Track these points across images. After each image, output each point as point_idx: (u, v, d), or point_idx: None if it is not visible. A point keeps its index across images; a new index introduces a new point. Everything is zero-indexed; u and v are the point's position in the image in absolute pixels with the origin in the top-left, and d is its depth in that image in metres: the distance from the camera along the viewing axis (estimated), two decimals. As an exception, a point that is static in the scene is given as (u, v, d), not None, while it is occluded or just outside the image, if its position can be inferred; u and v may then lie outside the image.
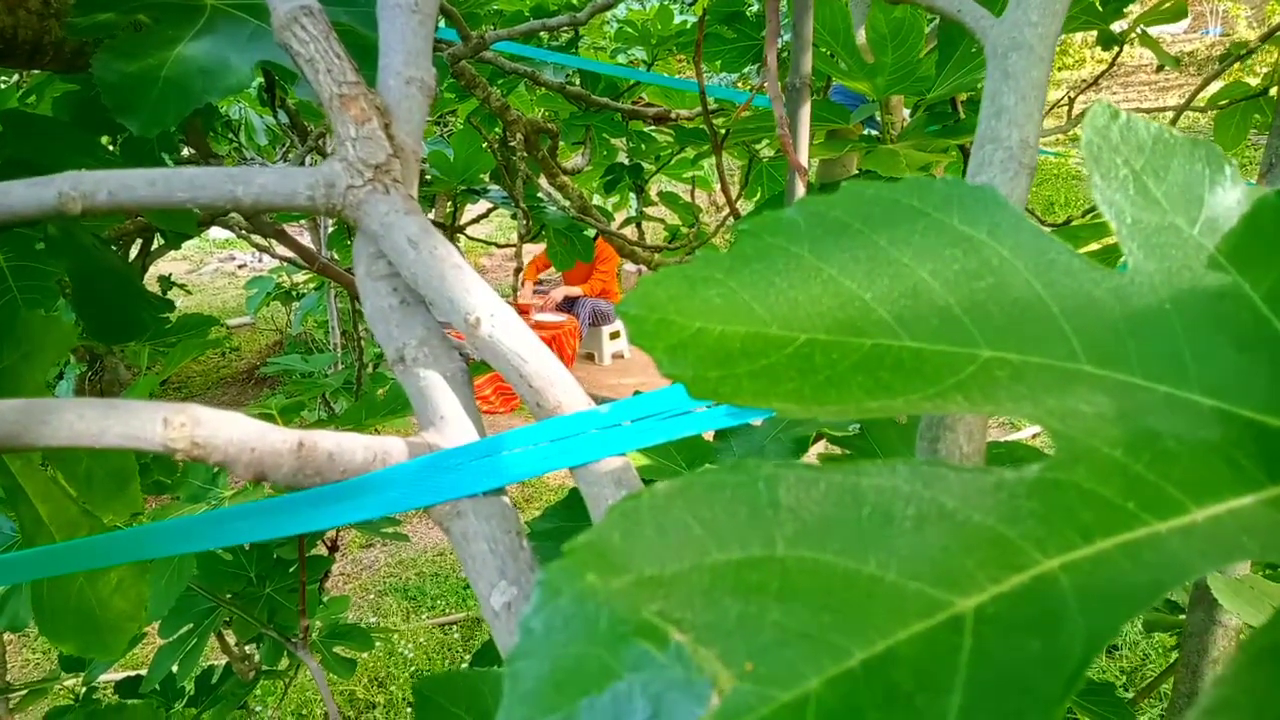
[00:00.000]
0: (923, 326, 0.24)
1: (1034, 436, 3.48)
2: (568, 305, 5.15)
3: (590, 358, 5.47)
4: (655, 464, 0.63)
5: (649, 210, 2.75)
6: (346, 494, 0.34)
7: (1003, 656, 0.17)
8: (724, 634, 0.18)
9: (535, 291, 5.23)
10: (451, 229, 2.15)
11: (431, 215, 2.79)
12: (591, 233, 2.30)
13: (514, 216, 2.29)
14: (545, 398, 0.36)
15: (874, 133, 1.02)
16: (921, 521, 0.19)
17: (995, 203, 0.26)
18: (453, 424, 0.37)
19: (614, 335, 5.40)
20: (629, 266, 6.16)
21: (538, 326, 4.69)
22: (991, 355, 0.23)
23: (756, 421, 0.65)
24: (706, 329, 0.25)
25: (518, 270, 1.70)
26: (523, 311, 4.89)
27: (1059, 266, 0.25)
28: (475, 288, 0.37)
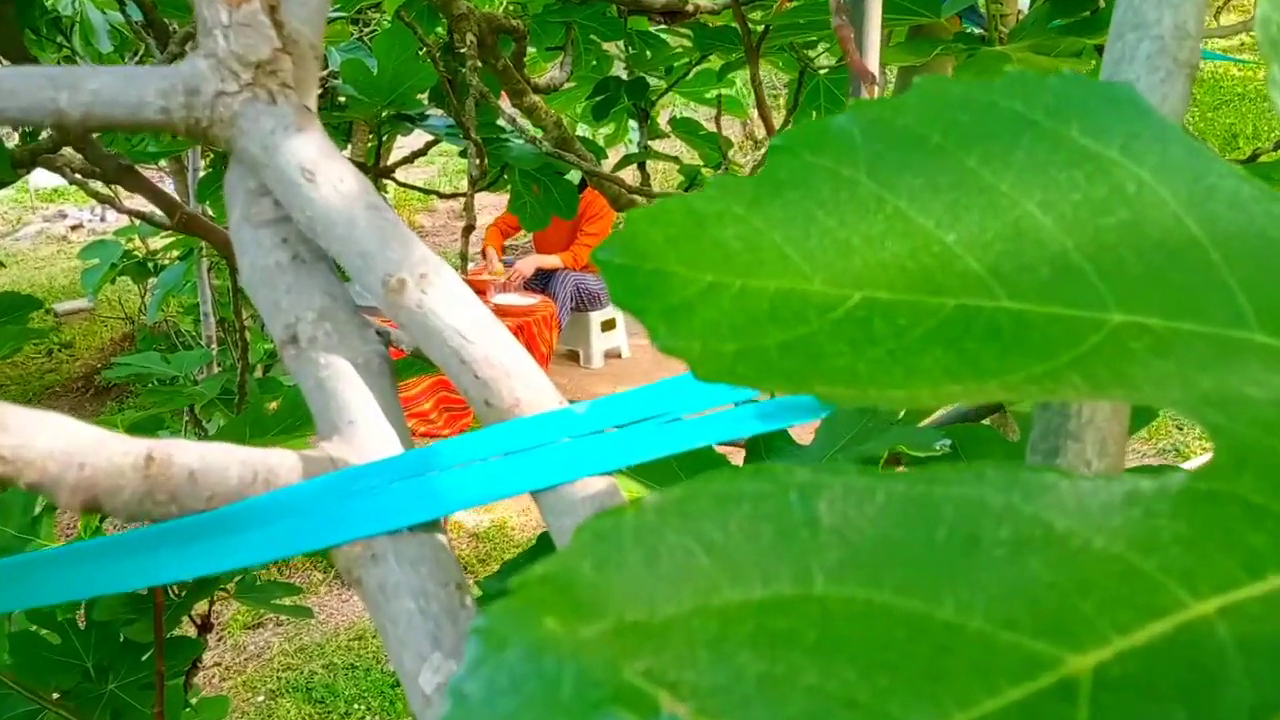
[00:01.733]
0: (1027, 280, 0.25)
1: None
2: (541, 282, 5.17)
3: (574, 357, 5.47)
4: (652, 490, 0.63)
5: (657, 145, 2.75)
6: (214, 529, 0.34)
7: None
8: (738, 703, 0.18)
9: (505, 263, 5.26)
10: (375, 171, 2.17)
11: (347, 153, 2.81)
12: (575, 176, 2.31)
13: (463, 154, 2.31)
14: (497, 392, 0.36)
15: (976, 29, 1.02)
16: (1020, 548, 0.20)
17: (1133, 108, 0.26)
18: (365, 430, 0.37)
19: (607, 325, 5.41)
20: (629, 227, 6.16)
21: (498, 312, 4.72)
22: (1124, 320, 0.24)
23: (802, 434, 0.66)
24: (721, 284, 0.26)
25: (468, 230, 1.71)
26: (477, 291, 4.91)
27: (1222, 196, 0.25)
28: (398, 237, 0.38)
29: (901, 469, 0.22)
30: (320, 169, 0.38)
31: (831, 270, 0.25)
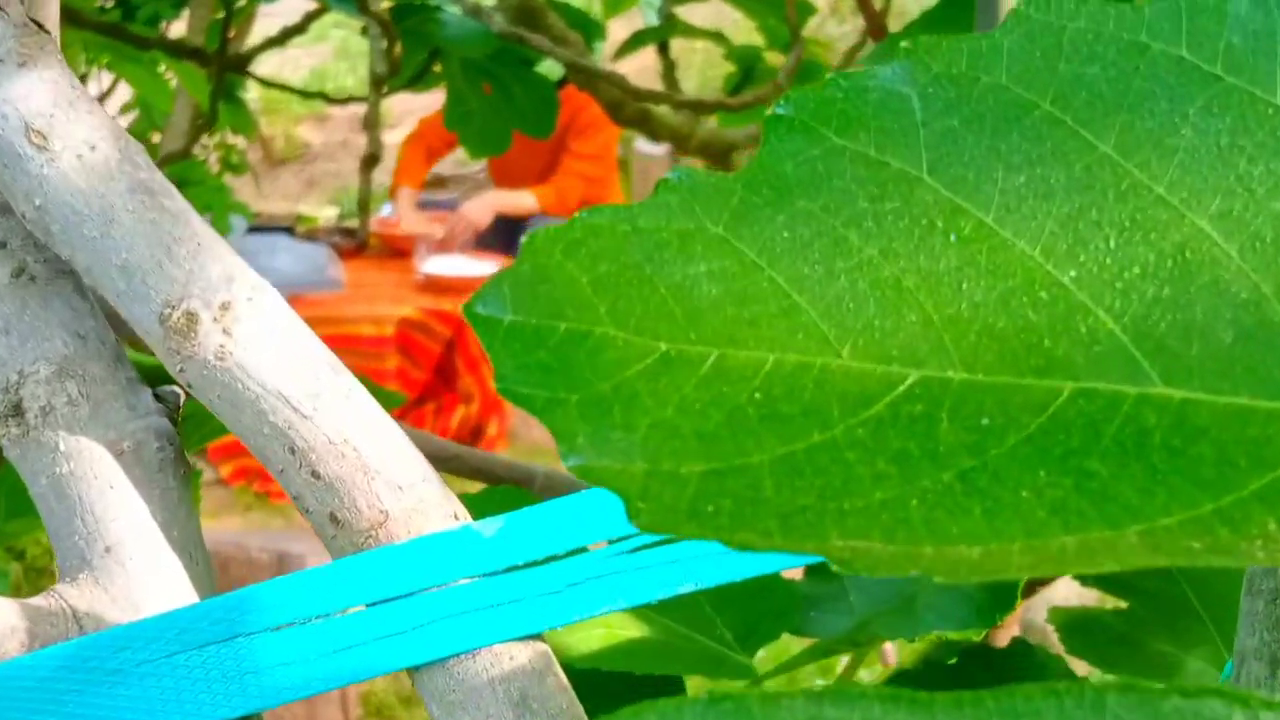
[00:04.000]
0: (1198, 351, 0.24)
1: None
2: (504, 235, 5.16)
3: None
4: (626, 639, 0.63)
5: (688, 12, 2.73)
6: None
7: None
8: None
9: (424, 207, 5.25)
10: (222, 61, 2.18)
11: (181, 28, 2.81)
12: (552, 70, 2.31)
13: (365, 32, 2.31)
14: (350, 500, 0.36)
15: None
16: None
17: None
18: (135, 564, 0.37)
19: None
20: (643, 146, 6.16)
21: (432, 286, 4.72)
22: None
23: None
24: (683, 357, 0.25)
25: (369, 163, 1.71)
26: (396, 246, 4.92)
27: None
28: (187, 240, 0.38)
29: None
30: (58, 129, 0.38)
31: (869, 334, 0.25)
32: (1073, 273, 0.25)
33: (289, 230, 5.05)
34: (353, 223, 5.68)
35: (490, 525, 0.36)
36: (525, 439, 4.87)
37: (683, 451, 0.24)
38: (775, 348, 0.25)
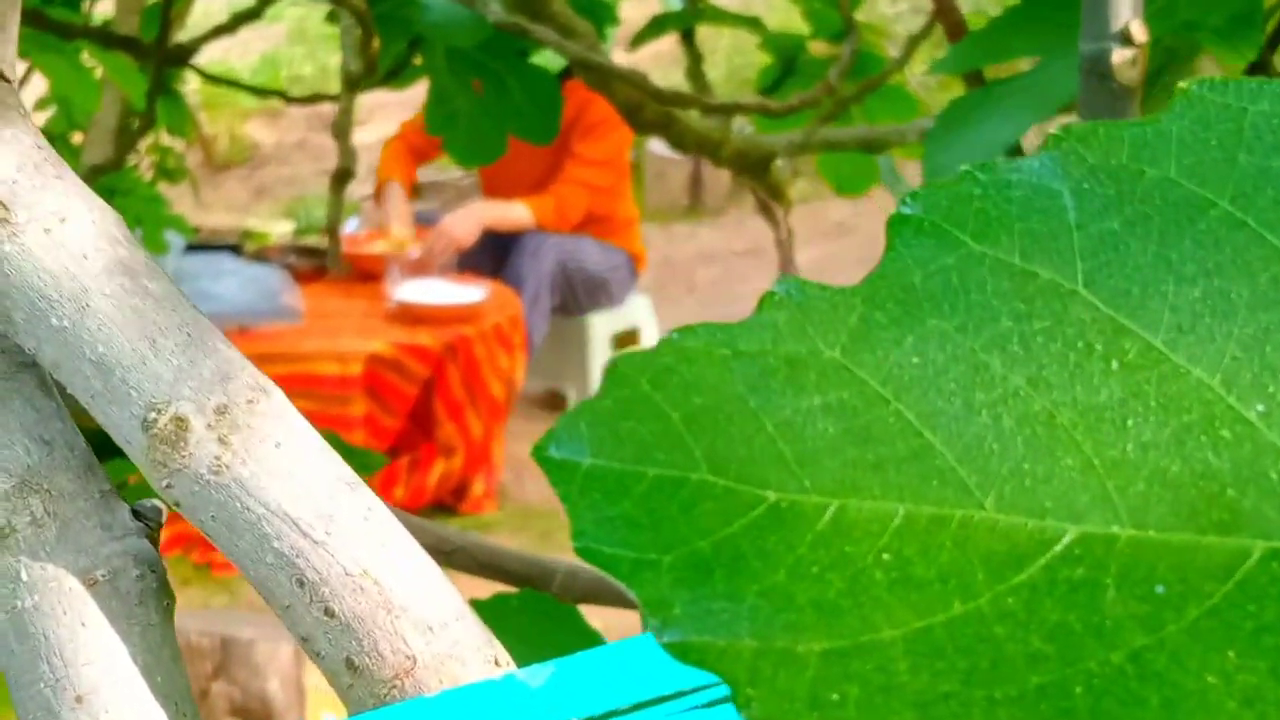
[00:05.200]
0: None
1: None
2: (494, 254, 5.16)
3: (556, 403, 5.49)
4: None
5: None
6: None
7: None
8: None
9: (418, 219, 5.24)
10: (162, 53, 2.19)
11: (102, 9, 2.82)
12: (550, 61, 2.31)
13: (332, 19, 2.32)
14: (370, 643, 0.36)
15: None
16: None
17: None
18: (110, 718, 0.37)
19: (623, 339, 5.42)
20: (658, 147, 6.16)
21: (408, 315, 4.72)
22: None
23: None
24: (795, 508, 0.25)
25: (341, 179, 1.72)
26: (367, 269, 4.91)
27: None
28: (175, 330, 0.38)
29: None
30: (22, 197, 0.38)
31: (1017, 481, 0.25)
32: (1260, 407, 0.25)
33: (235, 249, 5.04)
34: (311, 240, 5.68)
35: (538, 674, 0.36)
36: (517, 499, 4.86)
37: (799, 625, 0.24)
38: (905, 497, 0.25)
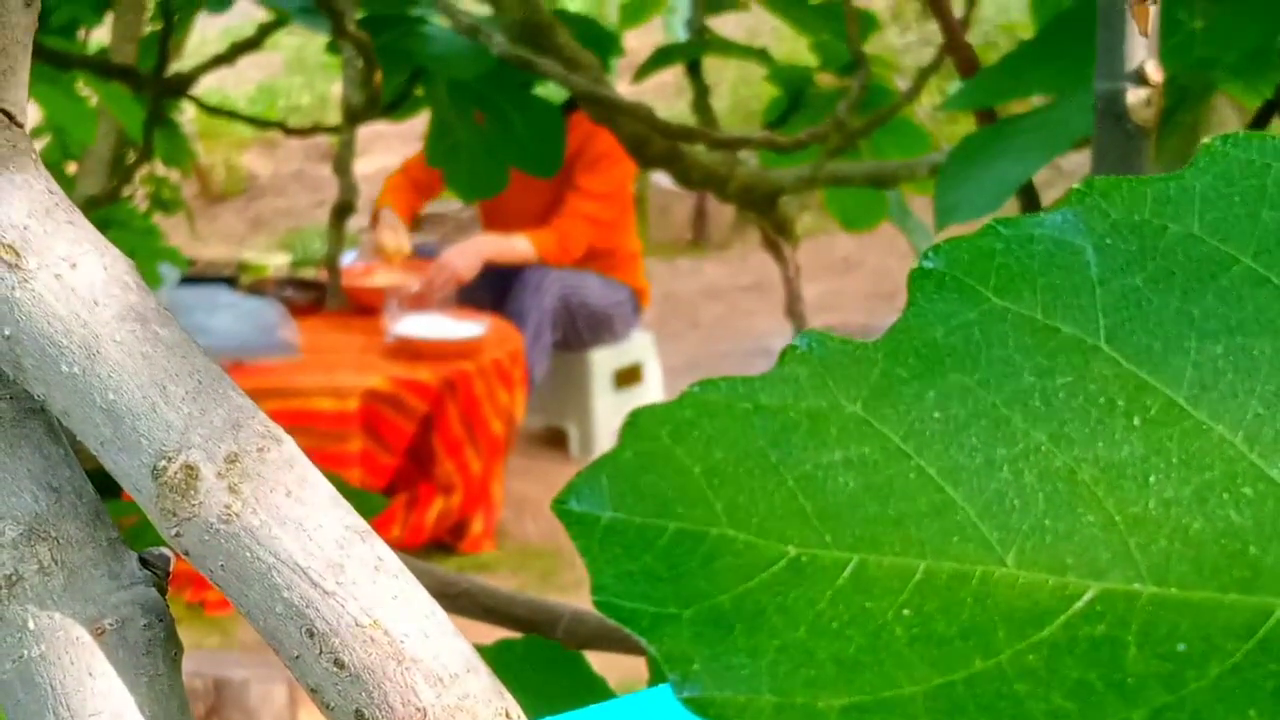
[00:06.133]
0: None
1: None
2: (494, 289, 5.16)
3: (556, 441, 5.48)
4: None
5: (723, 25, 2.75)
6: None
7: None
8: None
9: (418, 253, 5.22)
10: (160, 83, 2.19)
11: (103, 33, 2.82)
12: (553, 93, 2.31)
13: (333, 48, 2.33)
14: (380, 697, 0.36)
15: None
16: None
17: None
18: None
19: (624, 376, 5.41)
20: (663, 179, 6.16)
21: (406, 350, 4.72)
22: None
23: None
24: (816, 564, 0.26)
25: (341, 213, 1.73)
26: (365, 302, 4.89)
27: None
28: (186, 378, 0.38)
29: None
30: (33, 243, 0.39)
31: (1039, 537, 0.25)
32: (1283, 465, 0.25)
33: (231, 282, 5.04)
34: (308, 273, 5.67)
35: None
36: (517, 538, 4.84)
37: (819, 681, 0.25)
38: (926, 553, 0.25)
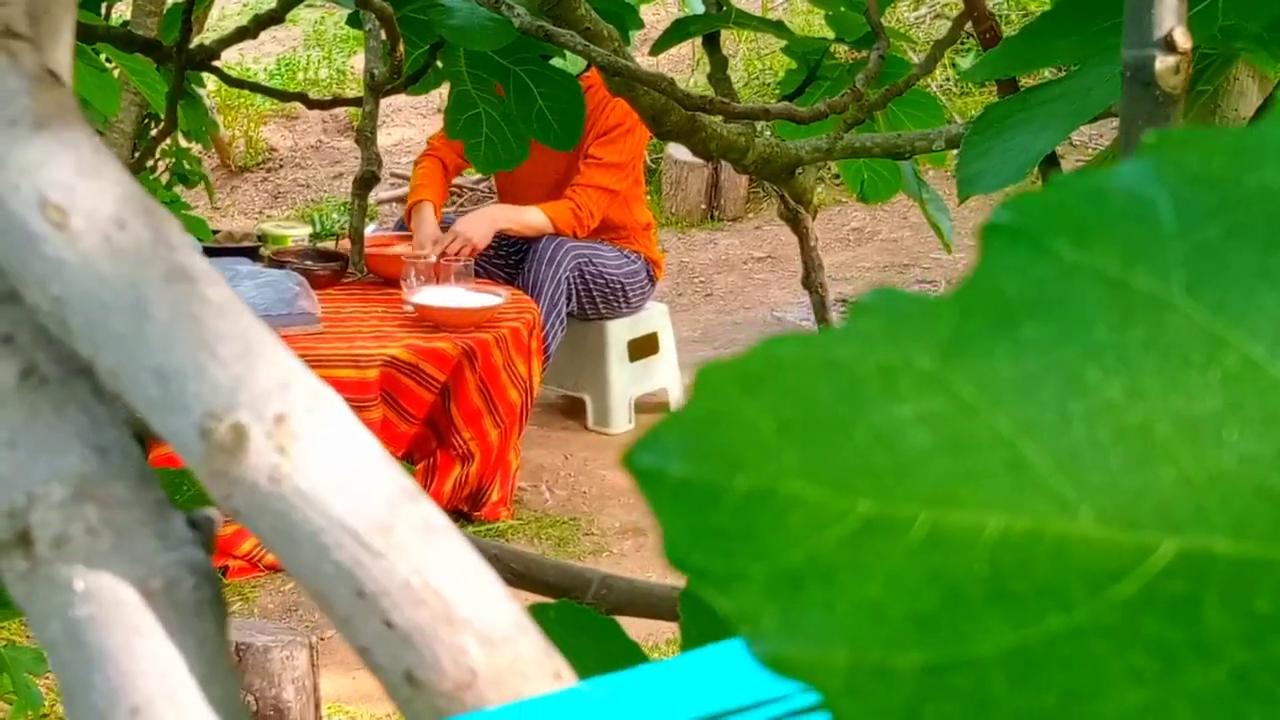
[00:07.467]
0: None
1: None
2: (509, 258, 5.17)
3: (573, 410, 5.49)
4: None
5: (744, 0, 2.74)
6: None
7: None
8: None
9: (446, 225, 5.23)
10: (183, 57, 2.19)
11: (121, 11, 2.81)
12: (571, 63, 2.30)
13: (354, 20, 2.33)
14: (432, 656, 0.36)
15: None
16: None
17: None
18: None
19: (640, 345, 5.42)
20: (677, 150, 6.16)
21: (425, 316, 4.72)
22: None
23: None
24: (890, 520, 0.25)
25: (365, 185, 1.72)
26: (380, 272, 4.90)
27: None
28: (233, 339, 0.38)
29: None
30: (80, 203, 0.38)
31: (1114, 493, 0.25)
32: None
33: (252, 253, 5.05)
34: (328, 244, 5.68)
35: (603, 687, 0.36)
36: (534, 506, 4.86)
37: (894, 639, 0.24)
38: (1000, 509, 0.25)
